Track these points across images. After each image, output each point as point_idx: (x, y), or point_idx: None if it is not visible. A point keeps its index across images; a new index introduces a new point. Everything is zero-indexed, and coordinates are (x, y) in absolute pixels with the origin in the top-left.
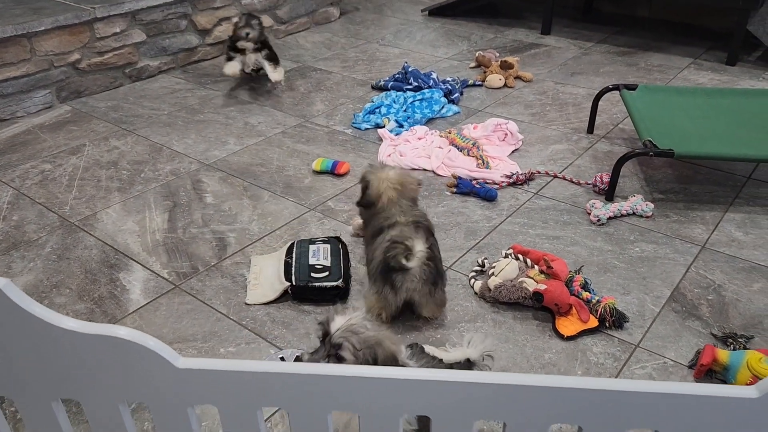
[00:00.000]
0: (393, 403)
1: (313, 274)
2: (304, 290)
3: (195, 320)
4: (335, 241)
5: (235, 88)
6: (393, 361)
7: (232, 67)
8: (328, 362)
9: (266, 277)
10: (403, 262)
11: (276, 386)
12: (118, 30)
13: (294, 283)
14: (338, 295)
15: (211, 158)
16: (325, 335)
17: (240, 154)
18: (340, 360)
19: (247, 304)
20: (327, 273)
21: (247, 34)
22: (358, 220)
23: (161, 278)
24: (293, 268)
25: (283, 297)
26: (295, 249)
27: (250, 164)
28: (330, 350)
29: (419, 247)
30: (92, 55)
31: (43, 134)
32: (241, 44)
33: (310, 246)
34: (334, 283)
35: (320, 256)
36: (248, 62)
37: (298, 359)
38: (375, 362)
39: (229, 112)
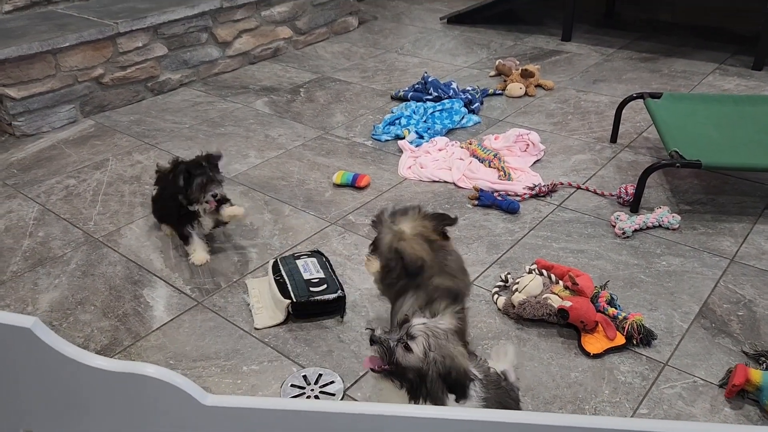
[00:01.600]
0: None
1: (311, 289)
2: (306, 306)
3: (218, 337)
4: (318, 254)
5: (254, 101)
6: (464, 377)
7: (201, 256)
8: (396, 346)
9: (266, 299)
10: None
11: (303, 425)
12: (140, 44)
13: (295, 300)
14: (339, 307)
15: (232, 172)
16: (405, 322)
17: (261, 167)
18: (407, 349)
19: (256, 329)
20: (325, 285)
21: (215, 195)
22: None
23: (184, 295)
24: (289, 286)
25: (287, 320)
26: (282, 267)
27: (271, 178)
28: (403, 336)
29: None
30: (115, 70)
31: (68, 149)
32: (201, 207)
33: (297, 261)
34: (335, 295)
35: (311, 270)
36: (207, 227)
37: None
38: (446, 374)
39: (250, 124)
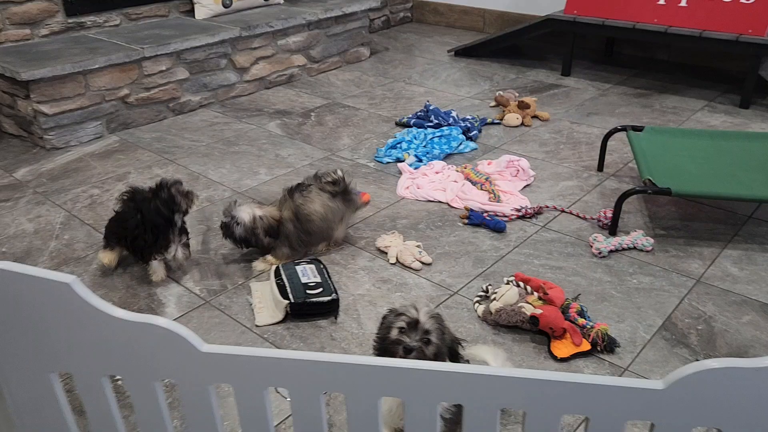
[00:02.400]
0: (433, 392)
1: (308, 291)
2: (302, 306)
3: (222, 332)
4: (317, 262)
5: (267, 123)
6: (457, 343)
7: (162, 274)
8: (419, 345)
9: (267, 300)
10: None
11: (282, 370)
12: (164, 68)
13: (292, 301)
14: (333, 309)
15: (243, 187)
16: (416, 322)
17: (270, 183)
18: (428, 343)
19: (257, 326)
20: (321, 289)
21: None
22: None
23: (194, 294)
24: (288, 288)
25: (286, 317)
26: (282, 271)
27: (279, 193)
28: (422, 334)
29: None
30: (140, 91)
31: (93, 162)
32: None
33: (296, 267)
34: (330, 297)
35: (309, 274)
36: (171, 252)
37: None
38: (449, 346)
39: (262, 144)
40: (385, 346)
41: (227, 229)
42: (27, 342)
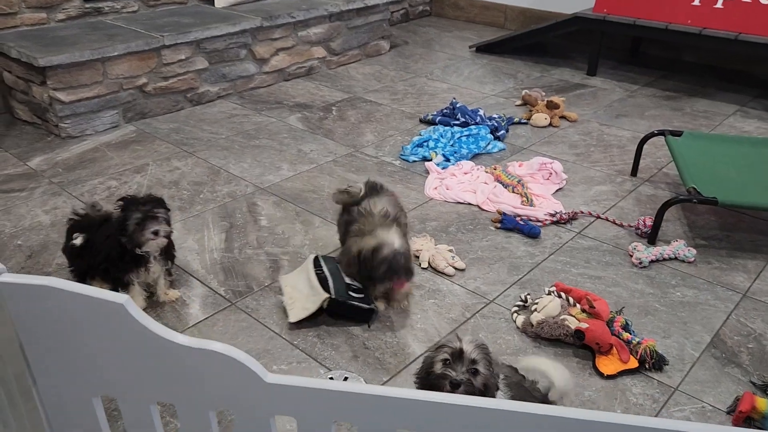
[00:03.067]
0: (452, 427)
1: (351, 293)
2: (342, 306)
3: (250, 337)
4: None
5: (288, 116)
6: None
7: (140, 303)
8: (466, 377)
9: (300, 290)
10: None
11: (348, 405)
12: (183, 57)
13: (333, 296)
14: (368, 317)
15: (265, 182)
16: (461, 352)
17: (293, 180)
18: (476, 373)
19: (291, 323)
20: (363, 295)
21: (156, 232)
22: None
23: (218, 295)
24: (330, 282)
25: (319, 312)
26: (324, 263)
27: (303, 190)
28: (469, 365)
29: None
30: (158, 80)
31: (110, 152)
32: (147, 249)
33: (338, 266)
34: (369, 306)
35: (350, 279)
36: (154, 273)
37: (346, 379)
38: (495, 380)
39: (283, 138)
40: (430, 382)
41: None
42: (73, 362)
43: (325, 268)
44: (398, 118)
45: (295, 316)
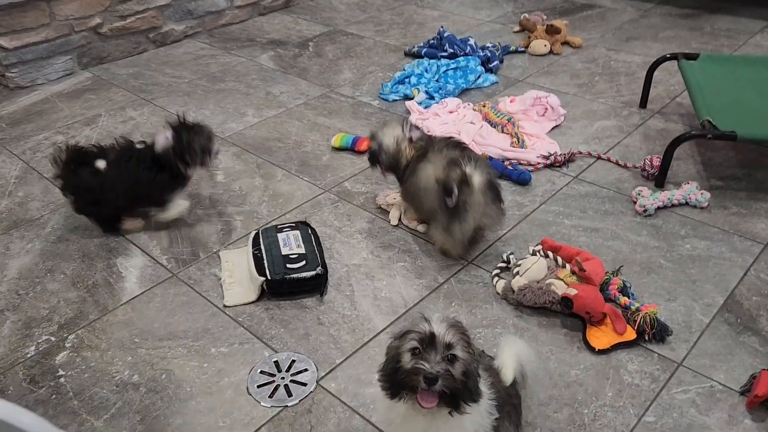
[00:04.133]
0: None
1: (288, 265)
2: (281, 284)
3: (189, 314)
4: (304, 227)
5: (259, 55)
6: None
7: (184, 205)
8: (441, 364)
9: (240, 271)
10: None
11: None
12: None
13: (269, 278)
14: (318, 285)
15: (227, 131)
16: (432, 336)
17: (257, 127)
18: (453, 360)
19: (226, 306)
20: (303, 262)
21: (218, 151)
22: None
23: (159, 265)
24: (265, 261)
25: (262, 295)
26: (261, 239)
27: (267, 139)
28: (444, 351)
29: (473, 172)
30: (114, 20)
31: (61, 103)
32: (202, 168)
33: (278, 234)
34: (313, 272)
35: (292, 244)
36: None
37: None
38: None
39: (252, 80)
40: (398, 381)
41: (373, 157)
42: None
43: (262, 245)
44: (381, 52)
45: (231, 299)
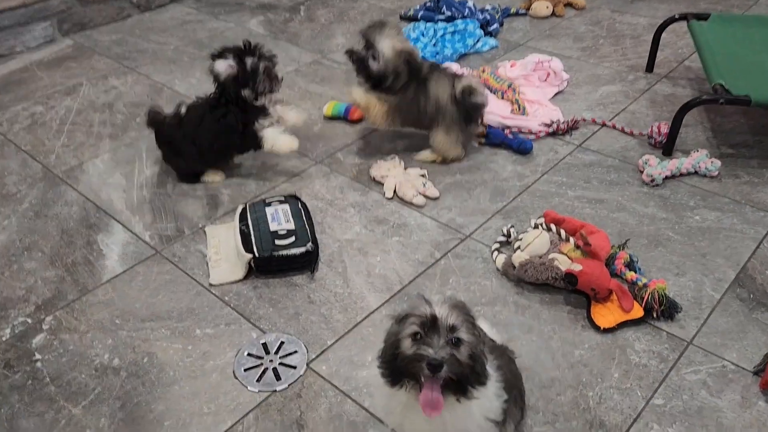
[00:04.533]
0: None
1: (277, 242)
2: (269, 261)
3: (173, 293)
4: (293, 200)
5: (248, 20)
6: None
7: (288, 140)
8: (449, 352)
9: (227, 248)
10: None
11: None
12: None
13: (257, 255)
14: (309, 262)
15: None
16: (434, 319)
17: None
18: (459, 343)
19: (212, 284)
20: (293, 238)
21: (281, 78)
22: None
23: (142, 242)
24: (252, 237)
25: (249, 272)
26: (249, 214)
27: None
28: (447, 334)
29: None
30: None
31: (40, 72)
32: (268, 98)
33: (266, 209)
34: (304, 249)
35: (281, 219)
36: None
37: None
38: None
39: None
40: (399, 368)
41: (361, 63)
42: None
43: (249, 221)
44: (375, 15)
45: (217, 278)
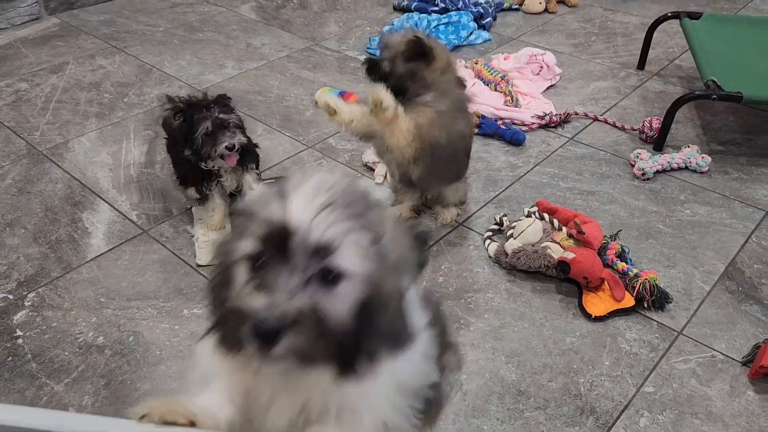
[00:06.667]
0: None
1: None
2: None
3: (160, 273)
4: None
5: (240, 5)
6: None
7: (220, 220)
8: (307, 290)
9: (219, 231)
10: None
11: None
12: None
13: None
14: None
15: (204, 83)
16: (284, 232)
17: (237, 79)
18: (334, 279)
19: (199, 265)
20: None
21: (231, 147)
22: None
23: (129, 221)
24: None
25: None
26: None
27: (247, 92)
28: (313, 264)
29: None
30: None
31: (26, 49)
32: (215, 164)
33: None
34: None
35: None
36: (229, 187)
37: None
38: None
39: (231, 31)
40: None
41: (373, 67)
42: None
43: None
44: (368, 5)
45: (205, 258)
